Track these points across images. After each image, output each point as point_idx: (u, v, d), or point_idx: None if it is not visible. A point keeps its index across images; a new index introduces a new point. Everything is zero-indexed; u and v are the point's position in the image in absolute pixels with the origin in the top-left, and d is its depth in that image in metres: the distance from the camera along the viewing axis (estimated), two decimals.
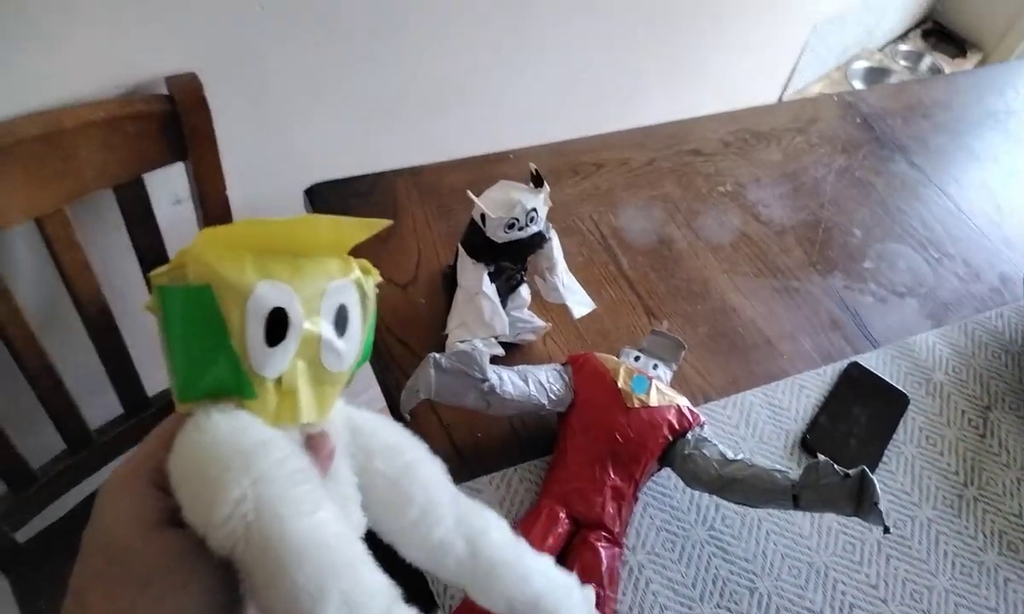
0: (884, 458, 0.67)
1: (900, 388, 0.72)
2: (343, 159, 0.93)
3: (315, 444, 0.33)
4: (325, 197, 0.78)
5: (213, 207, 0.78)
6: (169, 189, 0.82)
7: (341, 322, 0.33)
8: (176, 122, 0.71)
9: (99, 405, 0.85)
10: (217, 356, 0.30)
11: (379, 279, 0.36)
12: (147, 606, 0.27)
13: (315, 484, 0.30)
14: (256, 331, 0.30)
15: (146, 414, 0.88)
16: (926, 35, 2.30)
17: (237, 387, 0.30)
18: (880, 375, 0.72)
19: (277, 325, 0.30)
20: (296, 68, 0.86)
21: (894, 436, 0.69)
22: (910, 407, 0.71)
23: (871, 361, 0.74)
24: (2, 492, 0.80)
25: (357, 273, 0.34)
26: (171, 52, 0.73)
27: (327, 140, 0.95)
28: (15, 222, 0.66)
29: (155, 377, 0.89)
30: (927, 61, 2.25)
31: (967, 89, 1.11)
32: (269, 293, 0.30)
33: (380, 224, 0.32)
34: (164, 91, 0.71)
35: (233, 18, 0.76)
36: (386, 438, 0.37)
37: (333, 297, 0.33)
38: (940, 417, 0.71)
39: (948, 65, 2.24)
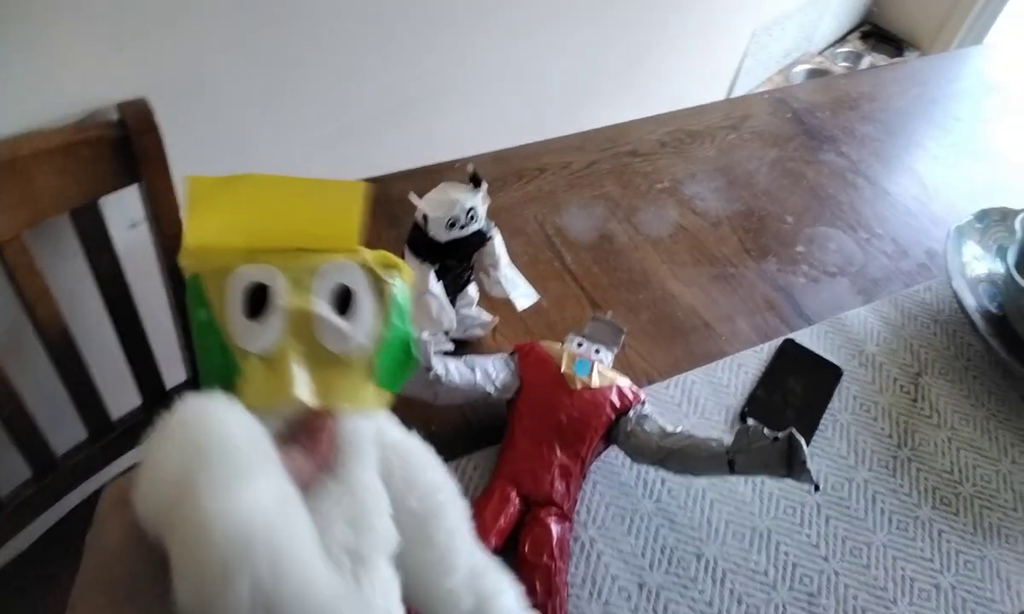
0: (820, 426, 0.71)
1: (833, 361, 0.75)
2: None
3: (310, 423, 0.31)
4: None
5: (167, 226, 0.80)
6: (124, 213, 0.84)
7: (343, 302, 0.32)
8: (128, 145, 0.73)
9: (64, 430, 0.86)
10: (211, 341, 0.31)
11: (408, 278, 0.34)
12: None
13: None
14: (235, 306, 0.31)
15: (111, 437, 0.89)
16: (865, 37, 2.40)
17: (227, 369, 0.30)
18: (814, 350, 0.76)
19: (259, 301, 0.31)
20: (244, 91, 0.89)
21: (829, 406, 0.72)
22: (844, 378, 0.75)
23: (805, 337, 0.78)
24: None
25: (365, 258, 0.33)
26: (122, 79, 0.75)
27: (276, 158, 0.98)
28: None
29: (118, 400, 0.90)
30: (867, 61, 2.34)
31: (891, 81, 1.17)
32: (249, 271, 0.31)
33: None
34: (116, 117, 0.74)
35: (180, 46, 0.79)
36: (430, 476, 0.36)
37: (329, 276, 0.32)
38: (873, 385, 0.75)
39: (888, 64, 2.33)
